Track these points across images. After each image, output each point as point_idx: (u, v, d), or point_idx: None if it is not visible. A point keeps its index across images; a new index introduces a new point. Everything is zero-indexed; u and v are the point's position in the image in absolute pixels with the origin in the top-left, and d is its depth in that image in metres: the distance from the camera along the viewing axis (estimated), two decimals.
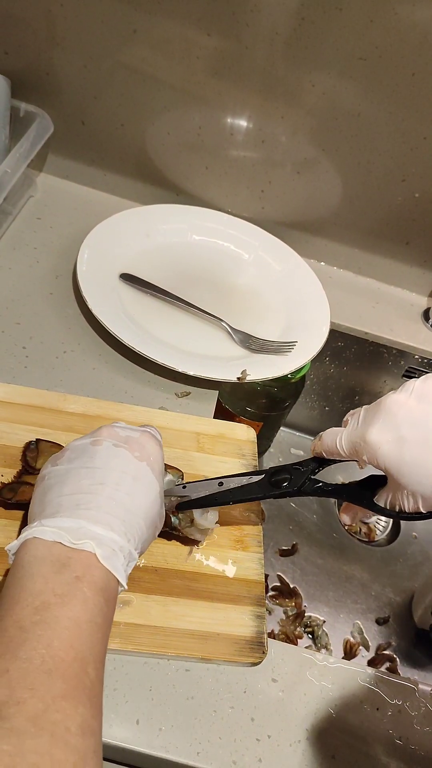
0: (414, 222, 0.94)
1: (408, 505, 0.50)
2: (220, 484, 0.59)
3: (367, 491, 0.53)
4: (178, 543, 0.62)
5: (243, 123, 0.89)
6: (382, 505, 0.52)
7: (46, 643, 0.39)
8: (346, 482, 0.56)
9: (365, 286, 1.01)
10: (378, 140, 0.87)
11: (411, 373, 0.98)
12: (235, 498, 0.58)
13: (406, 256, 0.98)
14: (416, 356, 0.96)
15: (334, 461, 0.55)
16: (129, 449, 0.53)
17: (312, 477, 0.56)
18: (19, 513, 0.60)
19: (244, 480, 0.59)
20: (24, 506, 0.58)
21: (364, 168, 0.90)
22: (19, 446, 0.64)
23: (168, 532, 0.61)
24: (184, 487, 0.60)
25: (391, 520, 1.04)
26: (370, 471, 0.53)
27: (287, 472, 0.57)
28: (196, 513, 0.58)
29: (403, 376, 0.99)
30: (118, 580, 0.46)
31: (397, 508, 0.51)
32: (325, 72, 0.82)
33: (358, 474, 0.55)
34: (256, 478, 0.58)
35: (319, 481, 0.56)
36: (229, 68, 0.84)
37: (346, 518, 0.58)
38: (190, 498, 0.59)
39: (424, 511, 0.50)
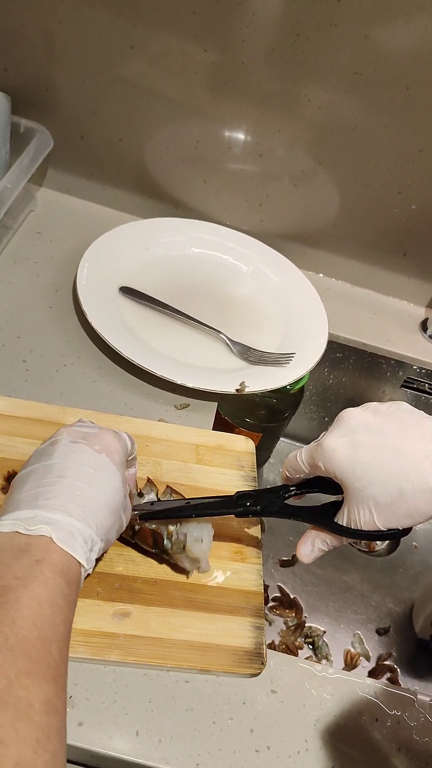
0: (411, 233, 0.94)
1: (363, 519, 0.50)
2: (187, 502, 0.60)
3: (328, 513, 0.54)
4: None
5: (240, 137, 0.90)
6: (342, 524, 0.52)
7: (9, 622, 0.40)
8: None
9: (363, 297, 1.02)
10: (374, 153, 0.88)
11: (409, 384, 0.99)
12: (198, 512, 0.59)
13: (403, 268, 0.99)
14: (414, 367, 0.97)
15: (302, 490, 0.57)
16: (88, 444, 0.53)
17: (280, 500, 0.58)
18: None
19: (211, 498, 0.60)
20: None
21: (360, 180, 0.91)
22: (19, 459, 0.65)
23: (159, 556, 0.61)
24: (152, 504, 0.60)
25: None
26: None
27: (254, 495, 0.59)
28: (190, 538, 0.58)
29: (402, 386, 1.00)
30: (79, 563, 0.47)
31: (353, 525, 0.51)
32: (321, 86, 0.83)
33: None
34: (222, 497, 0.60)
35: (284, 504, 0.58)
36: (226, 83, 0.85)
37: (303, 550, 0.56)
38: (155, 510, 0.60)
39: (381, 528, 0.50)
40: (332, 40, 0.79)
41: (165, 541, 0.59)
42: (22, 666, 0.39)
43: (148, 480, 0.63)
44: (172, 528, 0.59)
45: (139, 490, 0.62)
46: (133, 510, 0.59)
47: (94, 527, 0.49)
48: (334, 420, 0.53)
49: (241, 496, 0.59)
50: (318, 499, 0.56)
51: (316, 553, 0.56)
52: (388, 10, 0.76)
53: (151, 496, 0.62)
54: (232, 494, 0.60)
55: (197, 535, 0.58)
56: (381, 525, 0.50)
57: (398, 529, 0.50)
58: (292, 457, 0.56)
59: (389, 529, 0.50)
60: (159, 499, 0.62)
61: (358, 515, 0.51)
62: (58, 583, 0.44)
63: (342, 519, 0.52)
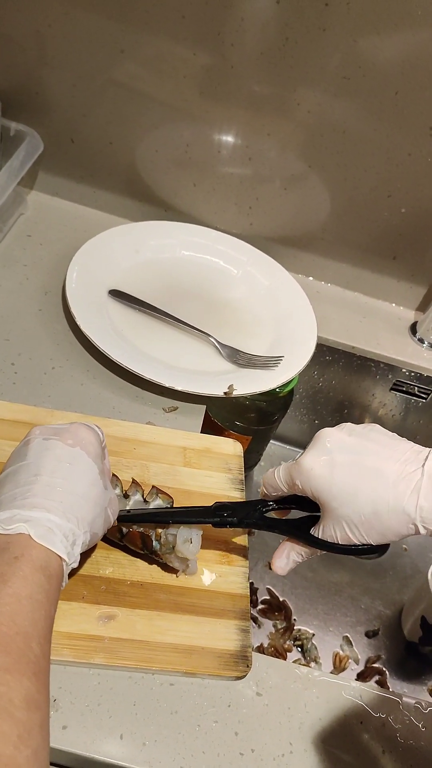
0: (401, 237, 0.95)
1: (339, 534, 0.52)
2: (167, 508, 0.61)
3: (304, 526, 0.55)
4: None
5: (230, 140, 0.90)
6: (318, 536, 0.54)
7: None
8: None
9: (353, 301, 1.02)
10: (364, 157, 0.88)
11: (399, 387, 0.99)
12: (175, 519, 0.59)
13: (393, 271, 0.99)
14: (404, 370, 0.97)
15: (279, 506, 0.59)
16: (60, 439, 0.53)
17: (257, 512, 0.59)
18: None
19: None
20: None
21: (350, 184, 0.91)
22: (4, 462, 0.65)
23: (148, 556, 0.61)
24: (129, 511, 0.60)
25: None
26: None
27: (231, 507, 0.59)
28: (179, 540, 0.58)
29: (391, 389, 1.00)
30: (60, 558, 0.47)
31: (328, 539, 0.53)
32: (310, 90, 0.83)
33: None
34: (200, 507, 0.60)
35: (262, 516, 0.59)
36: (216, 86, 0.85)
37: (278, 562, 0.57)
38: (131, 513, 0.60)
39: (356, 542, 0.52)
40: (321, 45, 0.79)
41: (153, 543, 0.59)
42: (1, 662, 0.39)
43: (133, 481, 0.63)
44: (160, 530, 0.59)
45: (124, 492, 0.62)
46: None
47: (75, 521, 0.49)
48: (312, 439, 0.54)
49: (219, 507, 0.60)
50: (294, 514, 0.58)
51: (291, 565, 0.57)
52: (377, 16, 0.76)
53: (136, 497, 0.62)
54: (210, 505, 0.60)
55: (186, 536, 0.59)
56: (355, 541, 0.52)
57: (371, 545, 0.52)
58: (270, 475, 0.57)
59: (363, 545, 0.52)
60: (145, 500, 0.62)
61: (334, 531, 0.52)
62: (38, 579, 0.44)
63: (318, 533, 0.54)
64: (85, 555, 0.61)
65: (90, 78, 0.88)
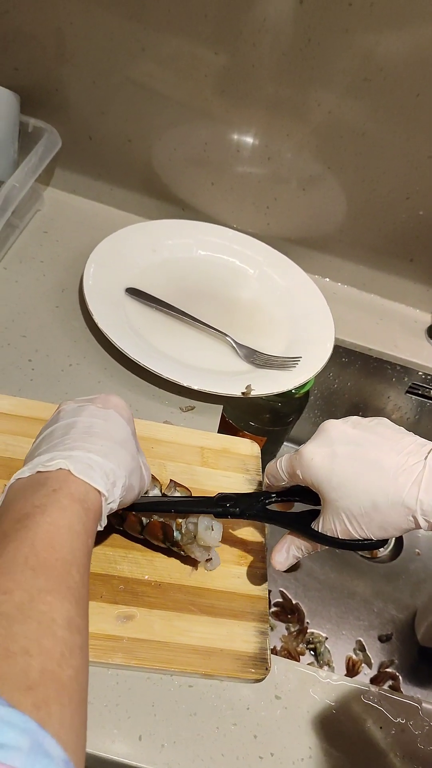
0: (418, 239, 0.94)
1: (339, 528, 0.51)
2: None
3: (305, 519, 0.55)
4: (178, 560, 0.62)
5: (249, 140, 0.90)
6: (317, 530, 0.53)
7: (29, 544, 0.41)
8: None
9: (369, 302, 1.01)
10: (383, 159, 0.88)
11: (415, 389, 0.99)
12: (178, 508, 0.59)
13: (410, 273, 0.98)
14: (420, 372, 0.97)
15: (282, 498, 0.59)
16: (93, 404, 0.54)
17: (260, 504, 0.59)
18: None
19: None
20: None
21: (368, 185, 0.91)
22: (23, 459, 0.64)
23: (168, 549, 0.61)
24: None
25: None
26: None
27: (234, 498, 0.59)
28: (200, 527, 0.58)
29: (407, 392, 0.99)
30: (99, 492, 0.47)
31: (328, 533, 0.52)
32: (330, 91, 0.83)
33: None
34: (202, 497, 0.60)
35: (264, 508, 0.59)
36: (236, 86, 0.85)
37: (277, 557, 0.57)
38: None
39: (356, 537, 0.51)
40: (343, 46, 0.79)
41: (175, 533, 0.59)
42: (43, 584, 0.39)
43: (152, 477, 0.63)
44: (180, 520, 0.59)
45: None
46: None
47: (115, 462, 0.49)
48: (316, 430, 0.54)
49: (222, 497, 0.59)
50: (298, 507, 0.58)
51: (291, 560, 0.57)
52: (400, 17, 0.76)
53: (155, 492, 0.62)
54: (213, 496, 0.60)
55: (208, 523, 0.59)
56: (355, 535, 0.51)
57: (372, 540, 0.51)
58: (272, 465, 0.57)
59: (364, 539, 0.51)
60: (164, 494, 0.62)
61: (333, 524, 0.52)
62: (76, 510, 0.44)
63: (318, 526, 0.53)
64: (102, 553, 0.61)
65: (109, 76, 0.88)
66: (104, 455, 0.49)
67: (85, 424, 0.51)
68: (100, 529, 0.48)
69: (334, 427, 0.52)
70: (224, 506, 0.58)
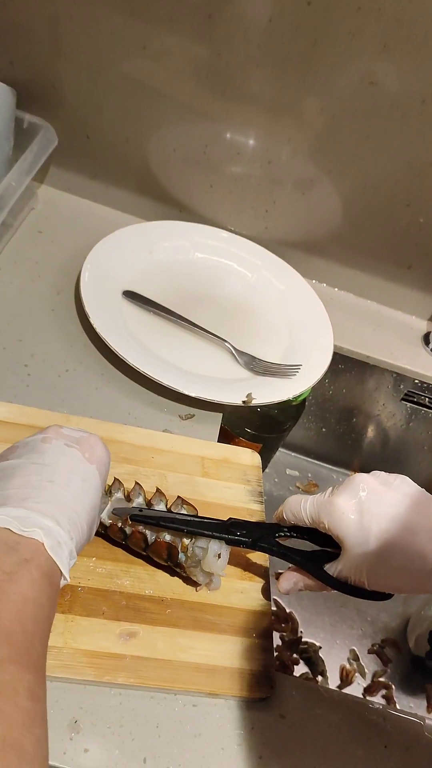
0: (417, 246, 0.94)
1: (355, 578, 0.53)
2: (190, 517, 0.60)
3: (319, 560, 0.56)
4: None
5: (249, 142, 0.89)
6: (331, 574, 0.55)
7: None
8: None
9: (366, 309, 1.01)
10: (384, 165, 0.87)
11: (410, 397, 0.98)
12: (190, 528, 0.58)
13: (407, 280, 0.98)
14: (416, 380, 0.96)
15: (293, 534, 0.59)
16: (80, 450, 0.53)
17: (271, 537, 0.59)
18: None
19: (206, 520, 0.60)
20: None
21: (369, 191, 0.90)
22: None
23: (171, 568, 0.60)
24: (141, 510, 0.59)
25: None
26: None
27: (246, 526, 0.59)
28: (210, 553, 0.57)
29: (402, 399, 0.99)
30: (61, 572, 0.47)
31: (343, 579, 0.54)
32: (334, 95, 0.82)
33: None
34: (215, 520, 0.60)
35: (277, 542, 0.58)
36: (238, 88, 0.83)
37: (285, 584, 0.58)
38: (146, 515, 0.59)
39: (368, 589, 0.53)
40: (349, 50, 0.78)
41: (180, 555, 0.57)
42: (6, 654, 0.39)
43: (158, 490, 0.62)
44: (186, 541, 0.58)
45: (127, 494, 0.61)
46: (116, 512, 0.59)
47: (75, 541, 0.49)
48: (344, 482, 0.55)
49: (234, 524, 0.59)
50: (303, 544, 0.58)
51: (295, 590, 0.58)
52: (408, 21, 0.74)
53: (139, 500, 0.61)
54: (225, 520, 0.59)
55: (217, 549, 0.57)
56: (369, 587, 0.53)
57: (384, 593, 0.54)
58: (296, 505, 0.57)
59: (375, 592, 0.53)
60: (147, 505, 0.61)
61: (351, 573, 0.54)
62: (43, 584, 0.45)
63: (334, 571, 0.55)
64: (103, 567, 0.59)
65: (108, 73, 0.86)
66: (69, 533, 0.48)
67: (62, 482, 0.50)
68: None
69: (366, 483, 0.54)
70: (236, 534, 0.58)
